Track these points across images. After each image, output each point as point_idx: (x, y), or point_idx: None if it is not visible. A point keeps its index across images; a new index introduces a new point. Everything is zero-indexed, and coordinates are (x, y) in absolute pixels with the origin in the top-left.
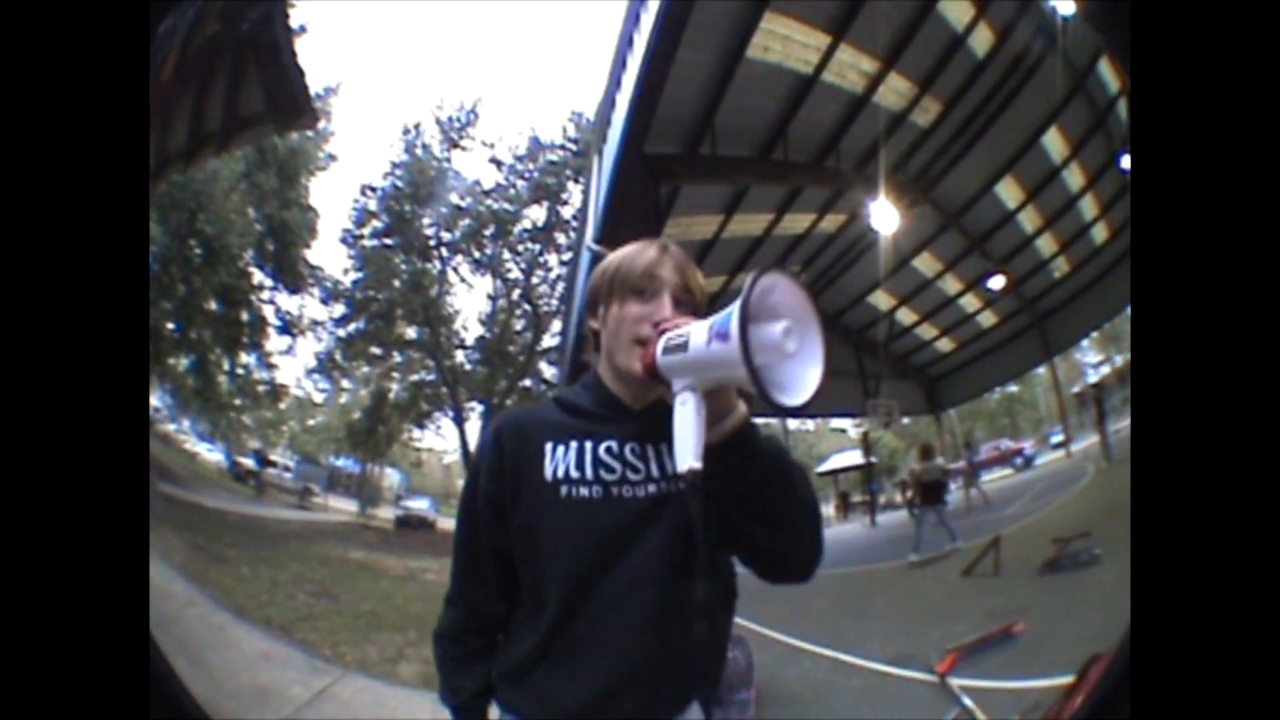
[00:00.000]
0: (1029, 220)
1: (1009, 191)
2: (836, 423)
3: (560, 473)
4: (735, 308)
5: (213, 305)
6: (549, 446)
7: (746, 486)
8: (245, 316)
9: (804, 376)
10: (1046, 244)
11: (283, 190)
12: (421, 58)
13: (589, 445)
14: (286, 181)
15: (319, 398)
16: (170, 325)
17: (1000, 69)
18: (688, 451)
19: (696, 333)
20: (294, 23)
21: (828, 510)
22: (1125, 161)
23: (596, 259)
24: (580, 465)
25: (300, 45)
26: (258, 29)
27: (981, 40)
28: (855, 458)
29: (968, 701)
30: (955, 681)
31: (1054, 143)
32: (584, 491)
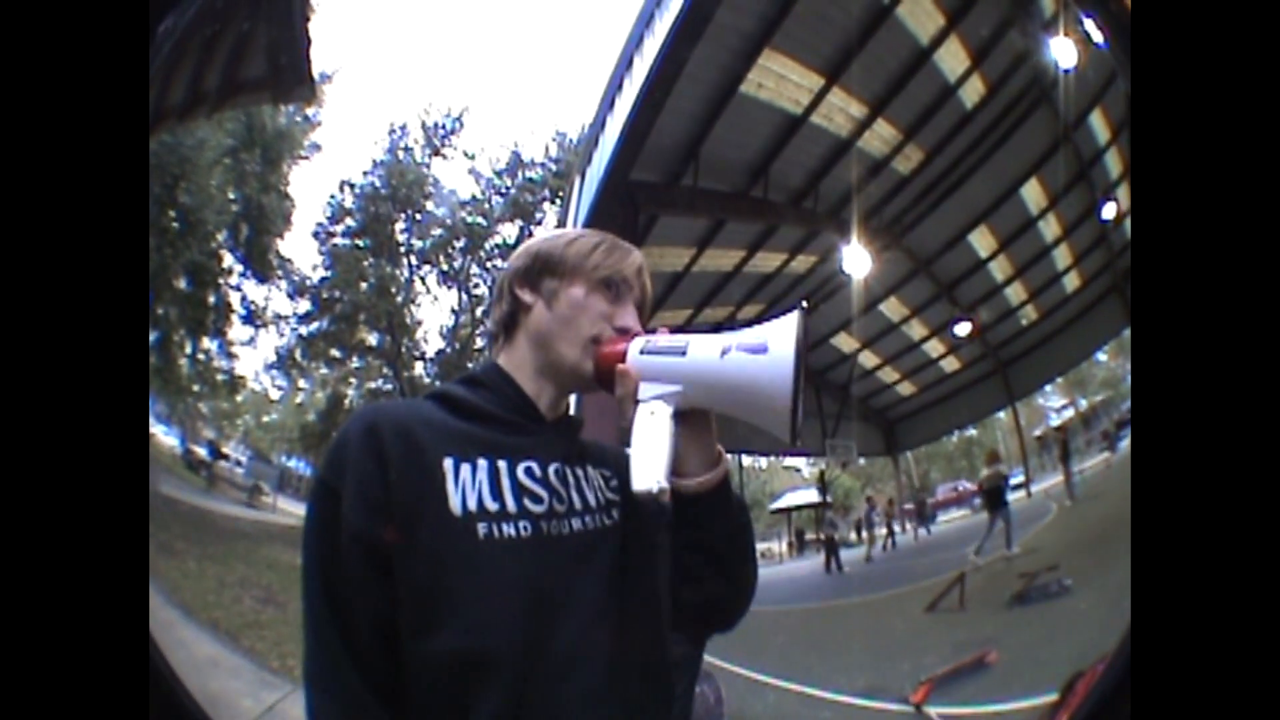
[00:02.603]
0: (999, 269)
1: (982, 240)
2: (790, 461)
3: (474, 503)
4: (781, 329)
5: (182, 283)
6: (449, 464)
7: (712, 541)
8: (212, 299)
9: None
10: (1016, 292)
11: (265, 173)
12: (416, 59)
13: (504, 465)
14: (269, 165)
15: (275, 395)
16: None
17: (987, 120)
18: (655, 467)
19: (701, 343)
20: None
21: (780, 547)
22: (1106, 210)
23: None
24: (497, 492)
25: (313, 16)
26: None
27: (972, 91)
28: (810, 496)
29: None
30: (933, 710)
31: (1032, 193)
32: (509, 530)
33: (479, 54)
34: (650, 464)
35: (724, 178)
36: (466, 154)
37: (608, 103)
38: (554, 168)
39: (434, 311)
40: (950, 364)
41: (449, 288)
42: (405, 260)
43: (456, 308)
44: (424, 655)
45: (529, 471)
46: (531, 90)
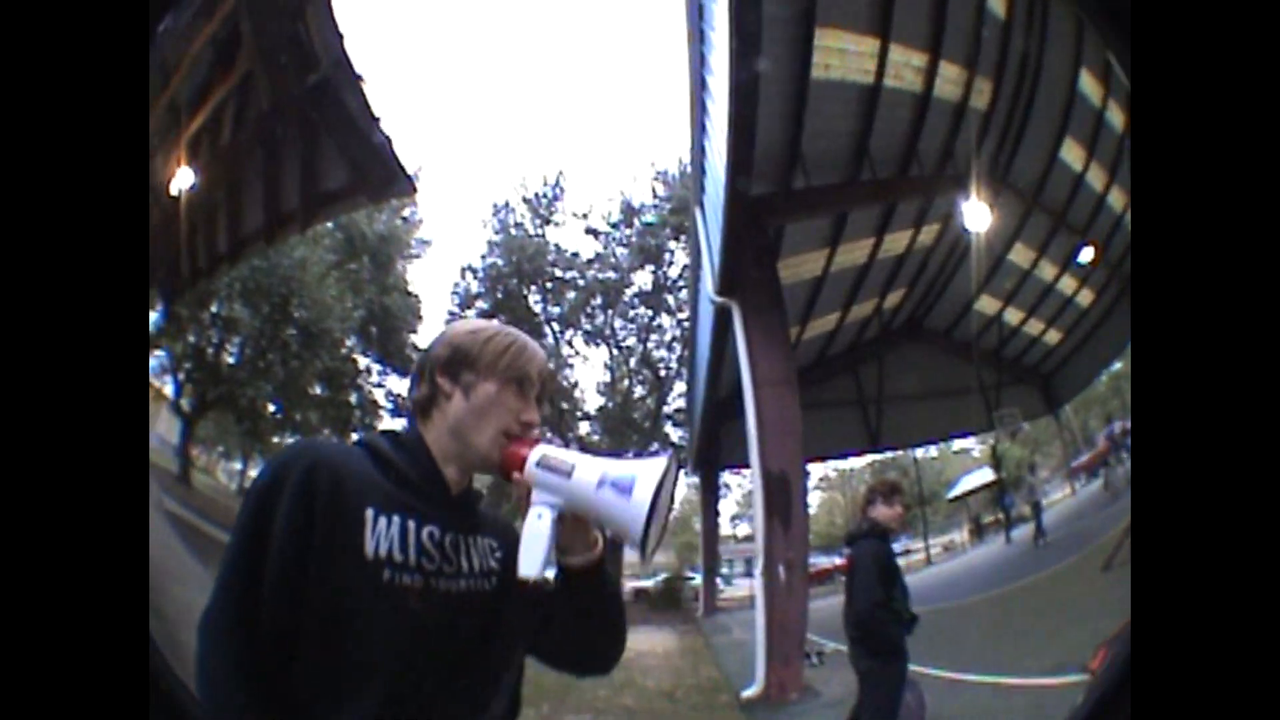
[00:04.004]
0: (1096, 178)
1: (1072, 153)
2: (959, 444)
3: (384, 550)
4: (647, 474)
5: (317, 389)
6: (371, 513)
7: (590, 605)
8: (353, 399)
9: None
10: (1115, 199)
11: (379, 276)
12: (497, 139)
13: (413, 524)
14: (381, 268)
15: None
16: (271, 407)
17: (1023, 25)
18: (536, 561)
19: (585, 467)
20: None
21: (961, 536)
22: None
23: (721, 312)
24: (404, 546)
25: (379, 114)
26: (320, 101)
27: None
28: (985, 476)
29: None
30: None
31: (1089, 86)
32: (406, 579)
33: (556, 119)
34: (534, 557)
35: (830, 170)
36: (577, 215)
37: (699, 125)
38: (668, 205)
39: (586, 370)
40: (1085, 297)
41: (596, 345)
42: (548, 328)
43: (609, 362)
44: (318, 656)
45: (430, 535)
46: (619, 138)
